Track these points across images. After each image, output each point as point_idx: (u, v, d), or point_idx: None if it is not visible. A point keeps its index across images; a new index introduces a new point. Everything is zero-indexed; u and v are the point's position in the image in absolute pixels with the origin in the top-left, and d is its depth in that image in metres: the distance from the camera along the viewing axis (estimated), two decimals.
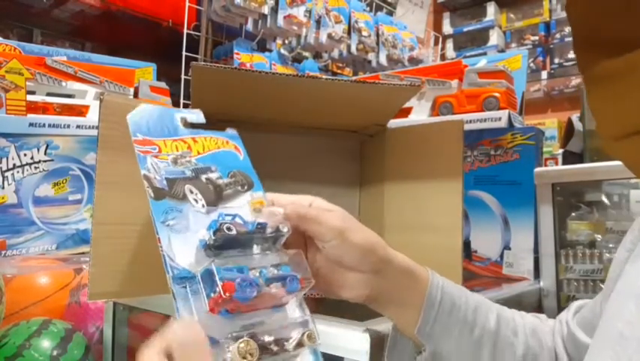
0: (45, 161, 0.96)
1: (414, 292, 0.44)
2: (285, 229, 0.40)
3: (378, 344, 0.52)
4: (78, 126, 1.00)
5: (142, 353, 0.33)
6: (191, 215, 0.40)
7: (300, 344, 0.37)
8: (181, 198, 0.40)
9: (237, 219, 0.40)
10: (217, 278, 0.35)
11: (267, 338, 0.36)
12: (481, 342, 0.45)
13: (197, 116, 0.47)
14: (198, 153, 0.44)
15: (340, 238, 0.41)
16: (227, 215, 0.40)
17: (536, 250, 0.94)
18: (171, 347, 0.32)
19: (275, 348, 0.36)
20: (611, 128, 0.32)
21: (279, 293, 0.37)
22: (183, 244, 0.38)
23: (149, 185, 0.40)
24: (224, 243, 0.38)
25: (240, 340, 0.34)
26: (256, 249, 0.40)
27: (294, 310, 0.39)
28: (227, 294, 0.34)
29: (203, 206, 0.41)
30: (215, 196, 0.42)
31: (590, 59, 0.31)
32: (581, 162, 1.25)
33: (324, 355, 0.39)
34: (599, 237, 0.96)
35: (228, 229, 0.38)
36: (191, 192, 0.41)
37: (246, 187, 0.44)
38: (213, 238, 0.37)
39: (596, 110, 0.33)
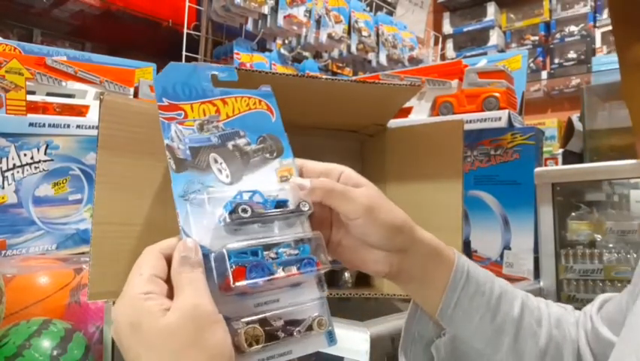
0: (45, 161, 0.96)
1: (438, 274, 0.44)
2: (307, 208, 0.40)
3: (378, 344, 0.52)
4: (78, 126, 1.00)
5: (144, 253, 0.36)
6: (214, 186, 0.39)
7: (310, 328, 0.37)
8: (204, 168, 0.39)
9: (257, 196, 0.39)
10: (228, 264, 0.35)
11: (277, 323, 0.36)
12: (502, 329, 0.44)
13: (228, 73, 0.44)
14: (227, 117, 0.42)
15: (367, 217, 0.40)
16: (246, 192, 0.39)
17: (536, 250, 0.94)
18: (172, 254, 0.35)
19: (282, 335, 0.36)
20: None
21: (294, 276, 0.37)
22: (202, 218, 0.37)
23: (172, 156, 0.39)
24: (243, 221, 0.38)
25: (248, 326, 0.35)
26: (277, 226, 0.39)
27: (313, 288, 0.39)
28: (238, 281, 0.35)
29: (227, 176, 0.40)
30: (242, 165, 0.40)
31: (627, 36, 0.30)
32: (581, 162, 1.25)
33: (324, 355, 0.39)
34: (599, 237, 0.96)
35: (244, 210, 0.37)
36: (216, 161, 0.40)
37: (275, 154, 0.42)
38: (228, 220, 0.37)
39: (631, 98, 0.32)
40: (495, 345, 0.44)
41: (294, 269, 0.37)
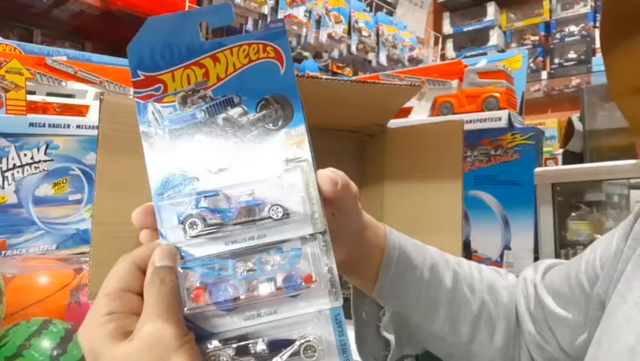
0: (45, 161, 0.96)
1: (373, 254, 0.43)
2: (279, 214, 0.31)
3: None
4: (78, 126, 1.00)
5: (118, 262, 0.32)
6: (199, 178, 0.32)
7: (295, 355, 0.30)
8: (188, 153, 0.32)
9: (215, 202, 0.31)
10: (185, 282, 0.30)
11: (257, 347, 0.30)
12: (437, 301, 0.45)
13: (220, 17, 0.33)
14: (218, 80, 0.33)
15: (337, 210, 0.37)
16: (205, 194, 0.31)
17: (536, 250, 0.93)
18: (146, 263, 0.31)
19: None
20: (624, 82, 0.32)
21: (275, 294, 0.30)
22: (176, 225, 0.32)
23: (147, 146, 0.33)
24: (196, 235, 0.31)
25: (213, 352, 0.30)
26: (259, 228, 0.31)
27: (321, 296, 0.30)
28: (196, 303, 0.30)
29: (216, 164, 0.32)
30: (235, 145, 0.32)
31: (614, 35, 0.31)
32: (581, 162, 1.25)
33: None
34: (599, 237, 0.96)
35: (192, 225, 0.31)
36: (201, 144, 0.32)
37: (280, 122, 0.32)
38: (185, 232, 0.31)
39: (610, 66, 0.32)
40: (431, 316, 0.45)
41: (270, 287, 0.30)
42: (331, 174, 0.32)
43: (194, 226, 0.31)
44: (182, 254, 0.31)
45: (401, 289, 0.44)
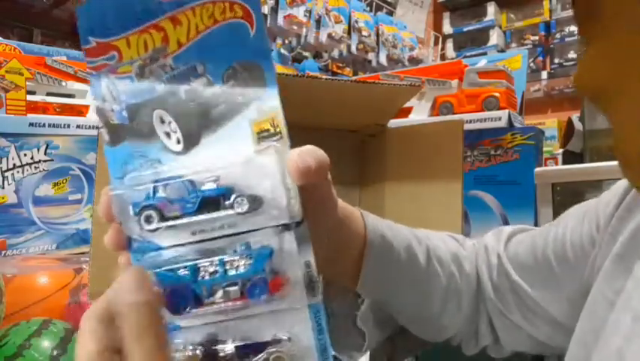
0: (45, 161, 0.96)
1: (353, 245, 0.40)
2: (244, 207, 0.27)
3: (378, 345, 0.52)
4: (78, 126, 1.00)
5: (81, 322, 0.27)
6: (162, 160, 0.28)
7: None
8: (147, 133, 0.28)
9: (176, 188, 0.27)
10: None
11: (227, 349, 0.27)
12: (414, 280, 0.44)
13: None
14: (179, 46, 0.28)
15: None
16: (161, 182, 0.28)
17: None
18: (115, 309, 0.26)
19: None
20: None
21: (237, 302, 0.27)
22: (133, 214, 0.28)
23: (104, 124, 0.29)
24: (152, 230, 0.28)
25: (185, 351, 0.27)
26: (227, 217, 0.27)
27: (297, 292, 0.27)
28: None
29: (178, 142, 0.28)
30: (200, 121, 0.28)
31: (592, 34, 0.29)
32: (581, 162, 1.25)
33: None
34: None
35: (147, 219, 0.27)
36: (162, 120, 0.28)
37: (250, 94, 0.28)
38: (142, 227, 0.28)
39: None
40: (408, 296, 0.44)
41: (234, 292, 0.27)
42: (299, 161, 0.27)
43: (150, 220, 0.27)
44: (145, 245, 0.28)
45: (384, 276, 0.42)
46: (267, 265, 0.27)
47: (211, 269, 0.27)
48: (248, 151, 0.28)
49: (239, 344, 0.27)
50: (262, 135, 0.28)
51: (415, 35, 2.70)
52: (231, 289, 0.27)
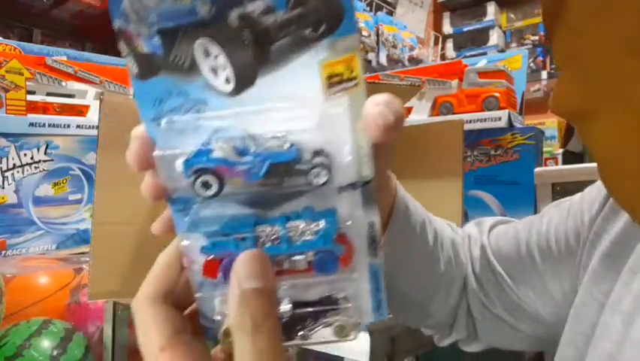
0: (45, 161, 0.96)
1: (383, 207, 0.38)
2: (323, 178, 0.22)
3: (378, 344, 0.52)
4: (78, 126, 1.00)
5: (138, 307, 0.25)
6: (207, 100, 0.23)
7: (325, 332, 0.24)
8: (188, 67, 0.22)
9: (237, 149, 0.22)
10: (191, 255, 0.24)
11: (282, 308, 0.24)
12: (420, 259, 0.42)
13: None
14: None
15: None
16: (226, 136, 0.22)
17: None
18: (234, 292, 0.22)
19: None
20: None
21: (304, 274, 0.24)
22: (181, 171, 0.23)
23: (130, 50, 0.22)
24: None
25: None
26: (296, 182, 0.23)
27: (360, 259, 0.24)
28: (209, 278, 0.24)
29: (227, 81, 0.22)
30: (257, 56, 0.22)
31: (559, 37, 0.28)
32: (581, 162, 1.25)
33: (324, 355, 0.37)
34: None
35: (204, 185, 0.23)
36: (208, 52, 0.22)
37: (322, 28, 0.21)
38: (197, 194, 0.23)
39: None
40: (412, 275, 0.42)
41: (302, 262, 0.24)
42: (378, 115, 0.22)
43: (208, 187, 0.23)
44: (190, 196, 0.23)
45: (401, 247, 0.40)
46: (335, 233, 0.23)
47: (273, 237, 0.23)
48: (315, 98, 0.22)
49: (296, 301, 0.24)
50: (333, 80, 0.22)
51: (415, 35, 2.70)
52: (298, 258, 0.23)
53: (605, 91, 0.25)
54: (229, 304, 0.22)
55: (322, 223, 0.23)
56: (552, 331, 0.40)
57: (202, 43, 0.22)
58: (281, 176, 0.23)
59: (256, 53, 0.22)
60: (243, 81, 0.22)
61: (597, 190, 0.41)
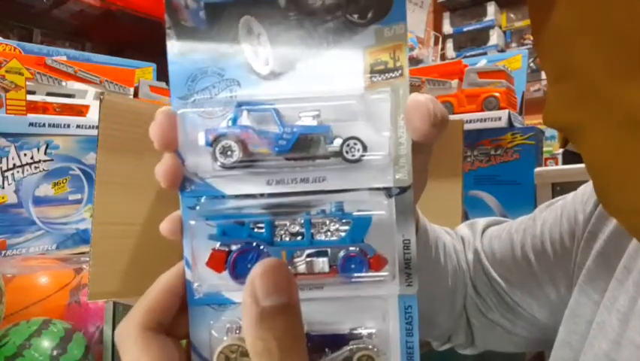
0: (45, 161, 0.96)
1: None
2: (356, 154, 0.21)
3: None
4: (78, 126, 1.00)
5: (122, 338, 0.22)
6: (241, 81, 0.22)
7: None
8: (228, 44, 0.22)
9: (264, 117, 0.21)
10: (194, 243, 0.22)
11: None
12: (433, 277, 0.42)
13: None
14: None
15: None
16: (252, 109, 0.21)
17: None
18: (253, 310, 0.19)
19: None
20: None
21: (328, 278, 0.21)
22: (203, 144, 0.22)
23: (173, 24, 0.22)
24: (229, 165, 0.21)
25: (228, 343, 0.21)
26: (317, 166, 0.21)
27: (389, 279, 0.21)
28: (212, 271, 0.22)
29: (267, 62, 0.22)
30: (300, 37, 0.22)
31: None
32: (581, 162, 1.25)
33: None
34: None
35: (225, 150, 0.21)
36: (251, 30, 0.22)
37: (370, 13, 0.21)
38: (217, 160, 0.21)
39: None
40: (424, 293, 0.42)
41: (322, 265, 0.21)
42: (425, 107, 0.21)
43: (230, 153, 0.21)
44: (203, 188, 0.22)
45: (420, 272, 0.40)
46: (367, 235, 0.21)
47: (293, 229, 0.21)
48: (357, 85, 0.21)
49: (313, 333, 0.21)
50: (377, 68, 0.21)
51: (415, 35, 2.70)
52: (319, 260, 0.21)
53: (593, 107, 0.25)
54: (244, 327, 0.19)
55: (353, 223, 0.21)
56: (549, 332, 0.40)
57: (247, 20, 0.22)
58: (310, 150, 0.21)
59: (300, 36, 0.21)
60: (283, 63, 0.22)
61: (591, 189, 0.41)
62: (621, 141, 0.24)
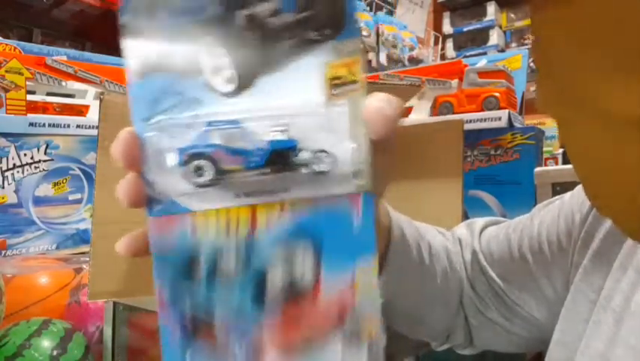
0: (45, 161, 0.96)
1: (381, 234, 0.37)
2: (325, 166, 0.22)
3: None
4: (78, 126, 1.00)
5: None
6: (204, 101, 0.22)
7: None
8: (189, 65, 0.22)
9: (234, 138, 0.22)
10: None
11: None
12: (418, 279, 0.42)
13: None
14: None
15: None
16: (217, 125, 0.22)
17: None
18: None
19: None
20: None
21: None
22: (173, 164, 0.22)
23: (133, 46, 0.22)
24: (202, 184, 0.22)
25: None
26: (282, 179, 0.22)
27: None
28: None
29: (228, 80, 0.22)
30: (261, 55, 0.22)
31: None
32: None
33: None
34: None
35: (198, 169, 0.22)
36: (211, 52, 0.22)
37: (327, 30, 0.22)
38: (190, 179, 0.22)
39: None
40: (409, 295, 0.42)
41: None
42: (384, 106, 0.23)
43: (202, 172, 0.22)
44: (170, 206, 0.23)
45: (401, 273, 0.39)
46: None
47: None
48: (317, 99, 0.22)
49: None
50: (335, 82, 0.22)
51: (415, 35, 2.70)
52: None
53: (577, 102, 0.25)
54: None
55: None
56: (547, 332, 0.40)
57: (207, 41, 0.22)
58: (282, 164, 0.22)
59: (261, 54, 0.22)
60: (244, 81, 0.22)
61: None
62: (602, 139, 0.24)
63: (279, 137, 0.22)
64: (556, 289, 0.41)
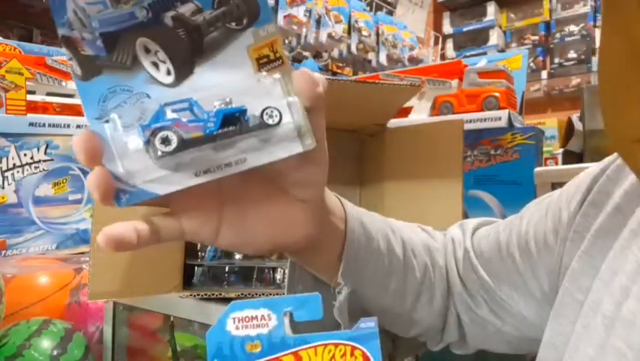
0: (45, 161, 0.96)
1: (335, 229, 0.38)
2: (275, 119, 0.26)
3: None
4: (78, 126, 1.00)
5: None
6: (150, 93, 0.26)
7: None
8: (130, 65, 0.26)
9: (188, 113, 0.25)
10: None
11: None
12: (391, 271, 0.42)
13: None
14: None
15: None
16: (172, 105, 0.25)
17: None
18: None
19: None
20: (628, 131, 0.27)
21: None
22: (136, 147, 0.26)
23: (73, 55, 0.25)
24: (167, 153, 0.25)
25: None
26: (237, 150, 0.26)
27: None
28: None
29: (168, 73, 0.26)
30: (192, 49, 0.26)
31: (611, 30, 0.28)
32: (581, 162, 1.25)
33: None
34: None
35: (165, 140, 0.25)
36: (148, 49, 0.26)
37: (245, 20, 0.26)
38: (151, 154, 0.25)
39: (612, 115, 0.29)
40: (385, 288, 0.42)
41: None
42: (310, 74, 0.27)
43: (169, 141, 0.25)
44: (138, 194, 0.26)
45: (363, 265, 0.40)
46: None
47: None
48: (249, 77, 0.26)
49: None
50: (262, 61, 0.26)
51: (415, 35, 2.70)
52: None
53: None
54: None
55: None
56: (538, 331, 0.40)
57: (142, 42, 0.25)
58: (235, 126, 0.25)
59: (191, 47, 0.26)
60: (182, 71, 0.26)
61: (575, 187, 0.41)
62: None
63: (226, 106, 0.26)
64: (542, 287, 0.41)
